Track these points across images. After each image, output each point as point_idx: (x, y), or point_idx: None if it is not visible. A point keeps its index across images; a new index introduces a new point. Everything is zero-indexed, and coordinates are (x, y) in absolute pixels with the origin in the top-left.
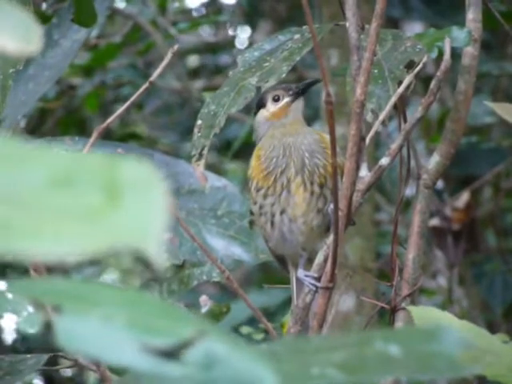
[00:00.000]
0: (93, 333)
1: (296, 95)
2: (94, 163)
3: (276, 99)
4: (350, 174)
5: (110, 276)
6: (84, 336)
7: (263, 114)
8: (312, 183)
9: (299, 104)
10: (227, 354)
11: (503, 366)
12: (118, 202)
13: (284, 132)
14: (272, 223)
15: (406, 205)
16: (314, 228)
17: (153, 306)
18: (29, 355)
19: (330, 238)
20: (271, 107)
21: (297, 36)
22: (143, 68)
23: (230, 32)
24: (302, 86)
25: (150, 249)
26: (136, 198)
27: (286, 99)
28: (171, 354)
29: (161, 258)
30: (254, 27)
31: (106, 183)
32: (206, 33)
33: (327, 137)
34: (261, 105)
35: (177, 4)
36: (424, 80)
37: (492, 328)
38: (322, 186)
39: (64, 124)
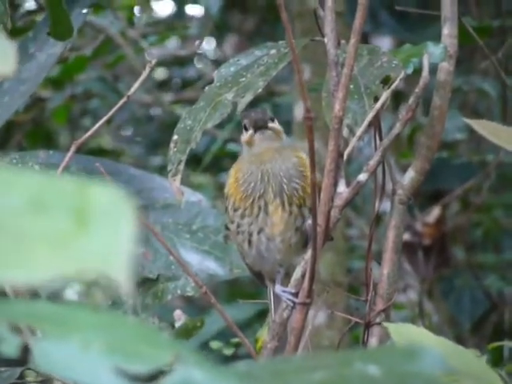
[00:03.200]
0: (71, 357)
1: (255, 130)
2: (66, 187)
3: (245, 128)
4: (327, 189)
5: (74, 290)
6: (62, 360)
7: (242, 138)
8: (291, 204)
9: (264, 135)
10: (205, 380)
11: None
12: (87, 228)
13: (261, 159)
14: (249, 242)
15: (378, 220)
16: (291, 245)
17: (131, 331)
18: (3, 368)
19: (308, 254)
20: (244, 134)
21: (273, 51)
22: (111, 81)
23: (197, 45)
24: (256, 125)
25: (117, 274)
26: (105, 223)
27: (250, 131)
28: (149, 379)
29: (128, 282)
30: (221, 41)
31: (76, 208)
32: (172, 46)
33: (306, 157)
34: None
35: (145, 16)
36: (393, 95)
37: (460, 343)
38: (300, 206)
39: (31, 137)
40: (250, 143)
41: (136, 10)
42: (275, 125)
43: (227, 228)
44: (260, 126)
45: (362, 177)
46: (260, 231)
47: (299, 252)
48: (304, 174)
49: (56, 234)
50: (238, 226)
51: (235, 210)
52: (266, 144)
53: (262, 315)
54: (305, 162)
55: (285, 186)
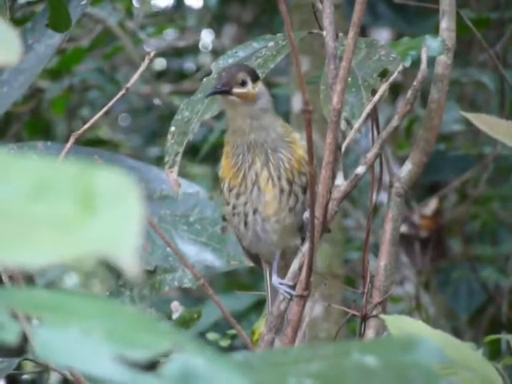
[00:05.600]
0: (71, 344)
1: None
2: (70, 172)
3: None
4: (325, 182)
5: (72, 280)
6: (62, 347)
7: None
8: (279, 178)
9: (227, 100)
10: (204, 367)
11: (478, 378)
12: (93, 211)
13: (242, 128)
14: (245, 223)
15: (375, 211)
16: (286, 226)
17: (131, 319)
18: (0, 359)
19: (306, 246)
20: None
21: (271, 43)
22: (109, 71)
23: (195, 36)
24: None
25: (123, 257)
26: (110, 206)
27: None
28: (149, 366)
29: (135, 267)
30: (219, 32)
31: (80, 192)
32: (170, 36)
33: (295, 134)
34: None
35: (143, 7)
36: (391, 87)
37: (457, 335)
38: (290, 182)
39: (30, 127)
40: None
41: (134, 0)
42: (242, 90)
43: (224, 218)
44: (222, 91)
45: (360, 169)
46: (255, 212)
47: (294, 234)
48: (290, 145)
49: (61, 217)
50: (234, 207)
51: (230, 190)
52: (231, 110)
53: (258, 306)
54: (292, 134)
55: (270, 156)
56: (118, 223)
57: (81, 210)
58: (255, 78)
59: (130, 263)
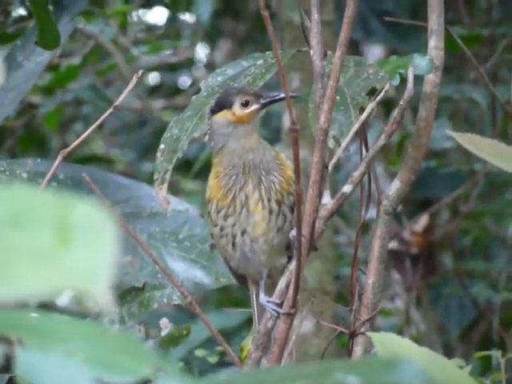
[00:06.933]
0: (53, 368)
1: (264, 105)
2: (47, 204)
3: (245, 104)
4: (312, 200)
5: (65, 296)
6: (44, 371)
7: (226, 115)
8: (269, 200)
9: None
10: None
11: None
12: (69, 244)
13: (245, 147)
14: (233, 244)
15: (365, 227)
16: (274, 246)
17: (113, 342)
18: None
19: (293, 265)
20: (238, 111)
21: (260, 61)
22: (102, 87)
23: (190, 51)
24: (270, 98)
25: (97, 289)
26: (86, 239)
27: (256, 106)
28: None
29: (108, 299)
30: (213, 47)
31: (57, 224)
32: (164, 51)
33: (282, 154)
34: (223, 106)
35: (137, 23)
36: (383, 103)
37: (448, 351)
38: (279, 203)
39: (24, 142)
40: (246, 120)
41: (129, 16)
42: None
43: (212, 236)
44: (268, 103)
45: (347, 188)
46: (243, 233)
47: (282, 253)
48: (281, 167)
49: (38, 249)
50: (222, 228)
51: (218, 212)
52: (258, 123)
53: (251, 322)
54: (280, 156)
55: (263, 178)
56: (92, 256)
57: (57, 242)
58: None
59: (103, 296)
